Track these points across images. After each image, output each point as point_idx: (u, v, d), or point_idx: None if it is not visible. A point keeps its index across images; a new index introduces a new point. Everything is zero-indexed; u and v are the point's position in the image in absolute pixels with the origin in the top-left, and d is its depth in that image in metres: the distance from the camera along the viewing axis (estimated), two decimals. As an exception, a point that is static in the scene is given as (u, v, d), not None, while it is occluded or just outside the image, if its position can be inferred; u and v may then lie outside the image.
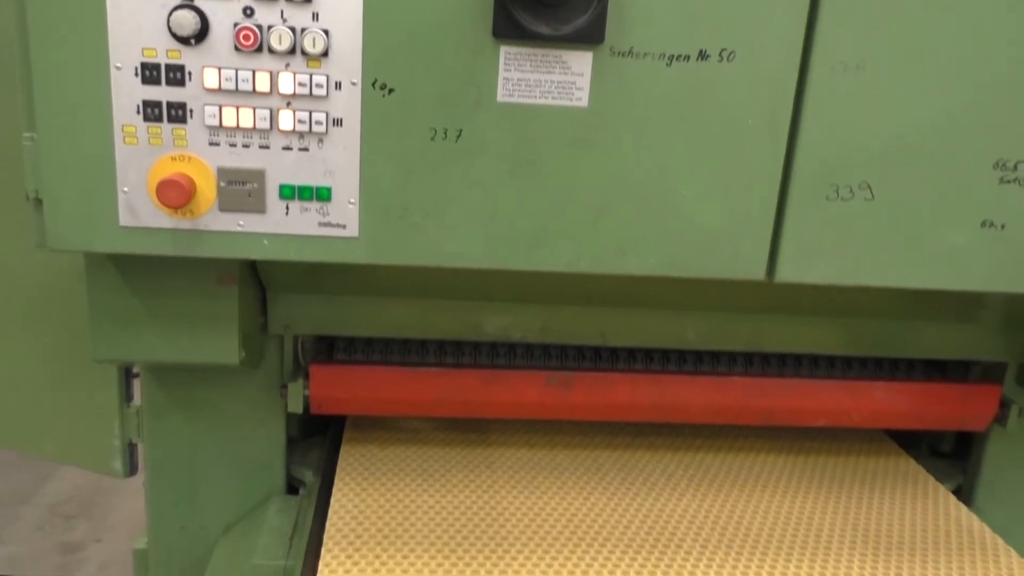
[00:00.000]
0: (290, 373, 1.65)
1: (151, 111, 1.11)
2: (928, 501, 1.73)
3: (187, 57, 1.10)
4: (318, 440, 1.90)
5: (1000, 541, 1.60)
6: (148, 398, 1.66)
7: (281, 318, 1.60)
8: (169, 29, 1.07)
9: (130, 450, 1.73)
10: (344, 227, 1.18)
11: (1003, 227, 1.27)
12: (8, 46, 1.15)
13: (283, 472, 1.74)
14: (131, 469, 1.75)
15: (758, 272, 1.26)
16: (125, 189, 1.13)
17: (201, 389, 1.65)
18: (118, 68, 1.09)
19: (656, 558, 1.47)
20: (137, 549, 1.80)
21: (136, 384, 1.70)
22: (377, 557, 1.43)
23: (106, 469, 1.74)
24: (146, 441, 1.68)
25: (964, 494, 1.89)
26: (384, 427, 1.88)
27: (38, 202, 1.15)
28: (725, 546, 1.52)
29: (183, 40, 1.08)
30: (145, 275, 1.37)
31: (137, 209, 1.14)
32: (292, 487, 1.79)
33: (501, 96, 1.14)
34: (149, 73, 1.10)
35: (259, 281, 1.55)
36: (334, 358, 1.70)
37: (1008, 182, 1.25)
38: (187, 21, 1.06)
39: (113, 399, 1.68)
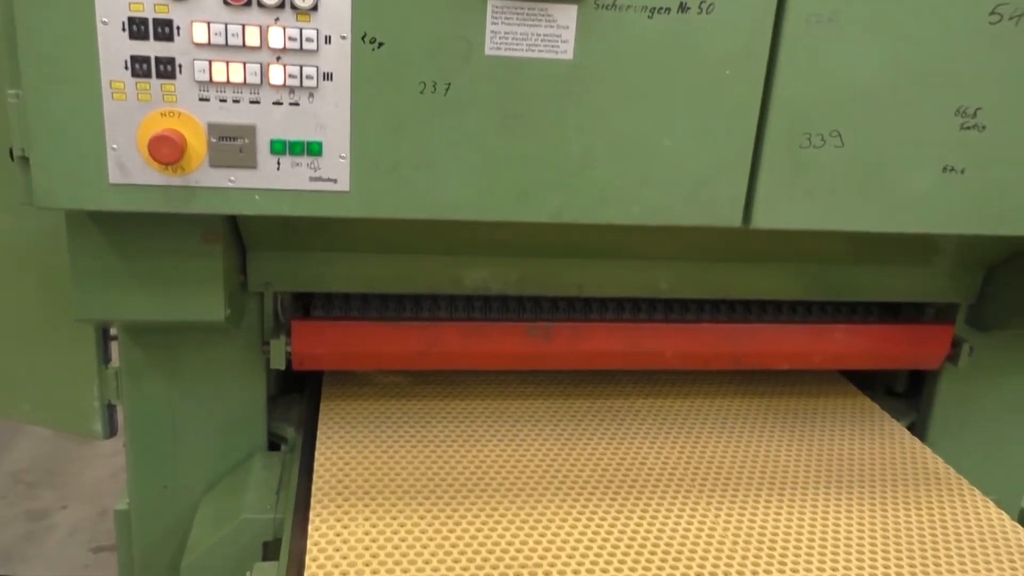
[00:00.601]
0: (271, 330, 1.67)
1: (139, 66, 1.10)
2: (885, 438, 1.83)
3: (175, 11, 1.09)
4: (296, 397, 1.92)
5: (953, 472, 1.70)
6: (126, 359, 1.65)
7: (261, 275, 1.61)
8: (157, -17, 1.07)
9: (109, 411, 1.73)
10: (335, 181, 1.19)
11: (963, 171, 1.34)
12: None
13: (264, 429, 1.76)
14: (111, 431, 1.75)
15: (735, 219, 1.32)
16: (114, 146, 1.13)
17: (180, 349, 1.66)
18: (104, 23, 1.08)
19: (634, 500, 1.53)
20: (118, 510, 1.81)
21: (114, 346, 1.70)
22: (367, 506, 1.46)
23: (85, 431, 1.74)
24: (125, 402, 1.68)
25: (918, 430, 1.99)
26: (362, 382, 1.91)
27: (24, 160, 1.14)
28: (698, 486, 1.59)
29: (172, -5, 1.07)
30: (128, 233, 1.36)
31: (127, 166, 1.14)
32: (273, 444, 1.81)
33: (489, 49, 1.16)
34: (137, 28, 1.09)
35: (240, 239, 1.55)
36: (312, 315, 1.72)
37: (968, 128, 1.31)
38: (175, -24, 1.06)
39: (91, 361, 1.67)
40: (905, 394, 2.10)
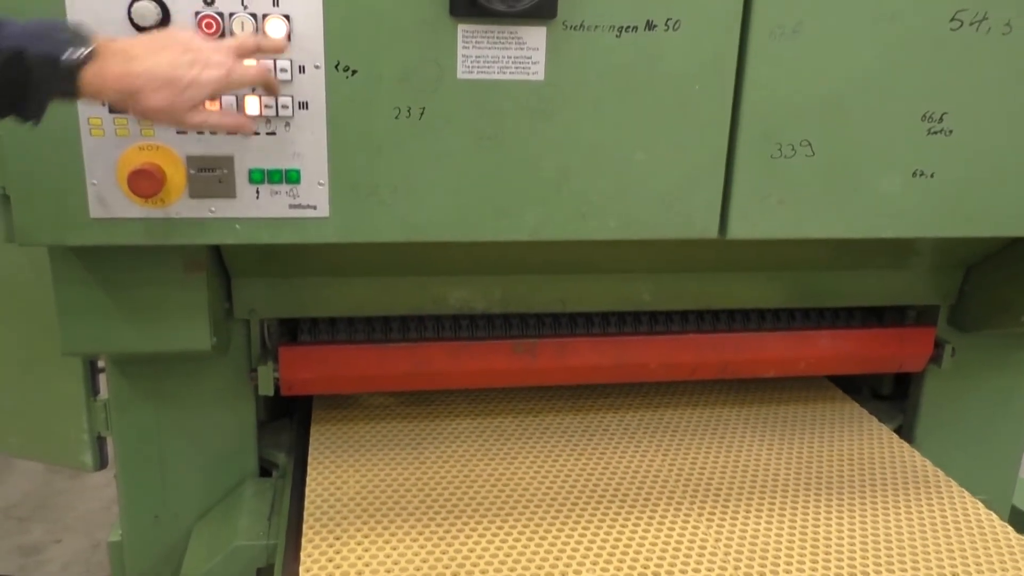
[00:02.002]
0: (258, 357, 1.67)
1: (116, 102, 1.12)
2: (874, 441, 1.84)
3: (150, 46, 1.11)
4: (285, 422, 1.92)
5: (941, 474, 1.72)
6: (114, 391, 1.66)
7: (246, 303, 1.62)
8: (131, 20, 1.08)
9: (99, 443, 1.73)
10: (315, 208, 1.21)
11: (932, 175, 1.36)
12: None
13: (255, 455, 1.77)
14: (101, 462, 1.76)
15: (711, 230, 1.34)
16: (94, 181, 1.15)
17: (167, 379, 1.66)
18: (81, 61, 1.10)
19: (627, 512, 1.54)
20: (112, 542, 1.81)
21: (102, 377, 1.70)
22: (359, 531, 1.47)
23: (75, 463, 1.74)
24: (115, 434, 1.69)
25: (905, 432, 2.01)
26: (351, 405, 1.91)
27: (4, 198, 1.15)
28: (690, 496, 1.60)
29: (145, 30, 1.09)
30: (111, 266, 1.38)
31: (107, 200, 1.16)
32: (264, 470, 1.81)
33: (461, 73, 1.19)
34: (112, 64, 1.10)
35: (223, 267, 1.56)
36: (299, 340, 1.73)
37: (935, 133, 1.34)
38: (149, 12, 1.08)
39: (79, 393, 1.68)
40: (891, 397, 2.12)
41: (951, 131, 1.34)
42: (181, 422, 1.69)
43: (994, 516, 1.57)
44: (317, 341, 1.71)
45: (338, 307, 1.66)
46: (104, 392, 1.70)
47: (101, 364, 1.70)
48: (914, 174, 1.36)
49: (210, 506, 1.75)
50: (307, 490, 1.59)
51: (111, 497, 3.45)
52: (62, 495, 3.46)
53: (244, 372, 1.69)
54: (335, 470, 1.65)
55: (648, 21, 1.21)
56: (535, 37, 1.19)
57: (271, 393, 1.66)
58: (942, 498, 1.63)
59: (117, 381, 1.65)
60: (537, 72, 1.20)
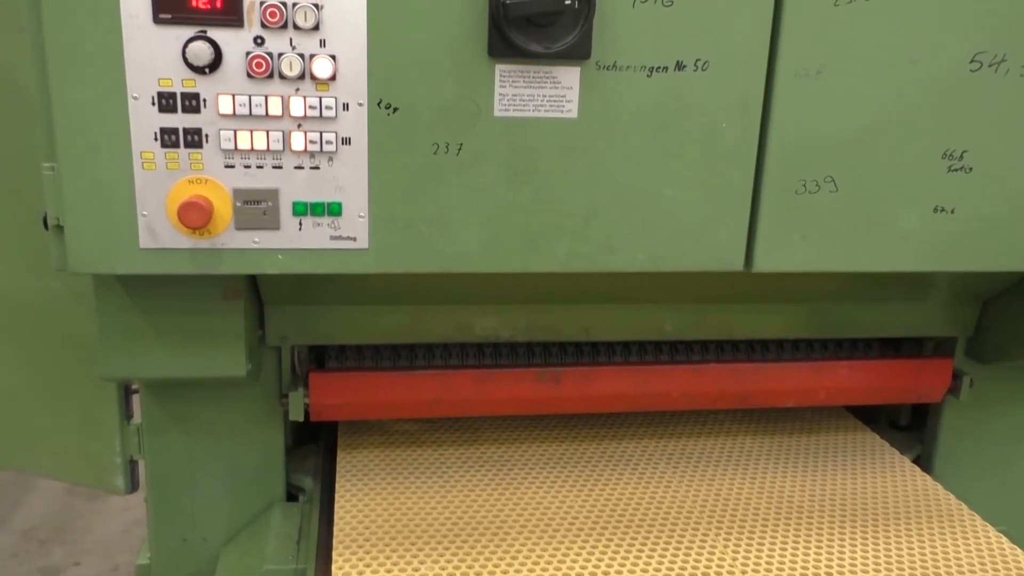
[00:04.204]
0: (289, 383, 1.71)
1: (168, 137, 1.17)
2: (896, 472, 1.86)
3: (202, 85, 1.16)
4: (312, 447, 1.95)
5: (964, 507, 1.73)
6: (147, 414, 1.70)
7: (278, 330, 1.66)
8: (185, 60, 1.13)
9: (131, 467, 1.76)
10: (354, 239, 1.25)
11: (953, 211, 1.40)
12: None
13: (283, 480, 1.80)
14: (132, 486, 1.79)
15: (737, 263, 1.37)
16: (145, 212, 1.19)
17: (199, 404, 1.70)
18: (135, 98, 1.15)
19: (654, 539, 1.56)
20: (140, 564, 1.84)
21: (134, 400, 1.74)
22: (388, 557, 1.49)
23: (107, 486, 1.77)
24: (146, 457, 1.72)
25: (923, 463, 2.02)
26: (376, 431, 1.94)
27: (59, 229, 1.20)
28: (715, 525, 1.62)
29: (198, 70, 1.14)
30: (153, 294, 1.42)
31: (157, 231, 1.20)
32: (290, 495, 1.84)
33: (497, 111, 1.23)
34: (165, 102, 1.16)
35: (258, 295, 1.60)
36: (326, 366, 1.76)
37: (955, 170, 1.38)
38: (203, 52, 1.12)
39: (113, 416, 1.71)
40: (909, 427, 2.13)
41: (971, 168, 1.38)
42: (212, 446, 1.72)
43: (1019, 552, 1.57)
44: (346, 368, 1.75)
45: (368, 334, 1.70)
46: (137, 416, 1.73)
47: (134, 386, 1.74)
48: (935, 210, 1.39)
49: (238, 530, 1.78)
50: (336, 515, 1.61)
51: (130, 520, 3.48)
52: (81, 517, 3.49)
53: (274, 398, 1.72)
54: (362, 495, 1.68)
55: (678, 62, 1.25)
56: (569, 77, 1.23)
57: (301, 418, 1.70)
58: (966, 530, 1.64)
59: (150, 405, 1.69)
60: (570, 110, 1.25)
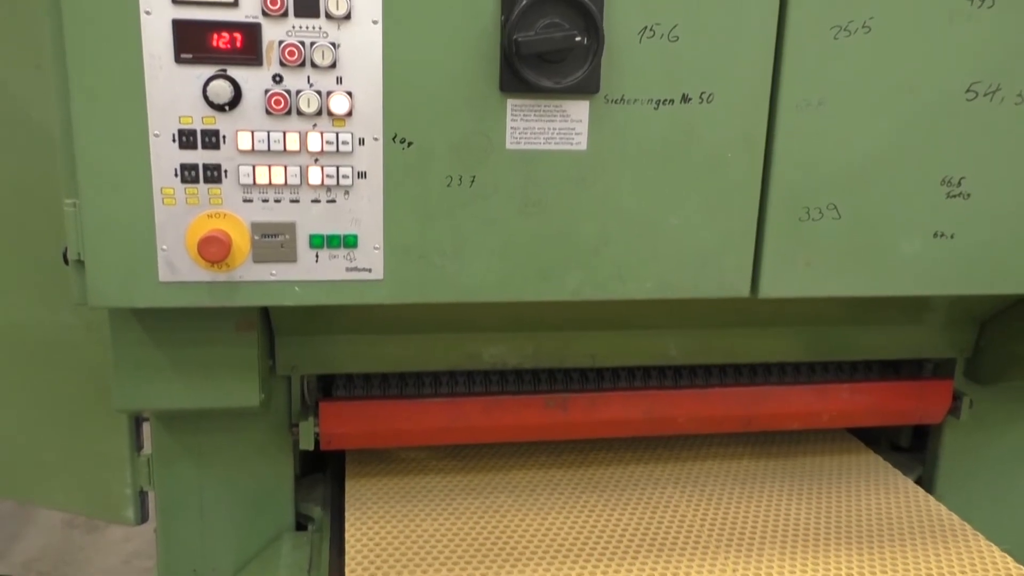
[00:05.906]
0: (299, 412, 1.72)
1: (188, 173, 1.19)
2: (899, 493, 1.88)
3: (221, 122, 1.18)
4: (319, 476, 1.96)
5: (968, 527, 1.75)
6: (157, 445, 1.71)
7: (288, 359, 1.68)
8: (205, 98, 1.16)
9: (141, 497, 1.77)
10: (370, 271, 1.27)
11: (952, 236, 1.43)
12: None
13: (292, 509, 1.80)
14: (142, 517, 1.79)
15: (743, 290, 1.40)
16: (164, 247, 1.21)
17: (210, 434, 1.71)
18: (156, 135, 1.17)
19: (664, 563, 1.57)
20: (150, 595, 1.84)
21: (145, 429, 1.75)
22: (399, 585, 1.50)
23: (118, 518, 1.78)
24: (157, 488, 1.73)
25: (925, 484, 2.04)
26: (384, 459, 1.95)
27: (79, 264, 1.22)
28: (724, 547, 1.64)
29: (218, 107, 1.17)
30: (168, 326, 1.43)
31: (176, 265, 1.22)
32: (299, 524, 1.85)
33: (509, 144, 1.26)
34: (186, 139, 1.18)
35: (269, 326, 1.62)
36: (334, 395, 1.78)
37: (954, 196, 1.41)
38: (223, 90, 1.15)
39: (123, 448, 1.72)
40: (910, 449, 2.15)
41: (969, 194, 1.41)
42: (222, 476, 1.73)
43: None
44: (355, 396, 1.77)
45: (377, 363, 1.72)
46: (147, 447, 1.74)
47: (145, 415, 1.75)
48: (934, 235, 1.43)
49: (247, 560, 1.79)
50: (347, 543, 1.62)
51: (129, 552, 3.47)
52: (81, 550, 3.48)
53: (283, 427, 1.74)
54: (372, 523, 1.69)
55: (684, 95, 1.29)
56: (579, 110, 1.26)
57: (312, 447, 1.71)
58: (971, 550, 1.66)
59: (161, 436, 1.70)
60: (580, 143, 1.28)
